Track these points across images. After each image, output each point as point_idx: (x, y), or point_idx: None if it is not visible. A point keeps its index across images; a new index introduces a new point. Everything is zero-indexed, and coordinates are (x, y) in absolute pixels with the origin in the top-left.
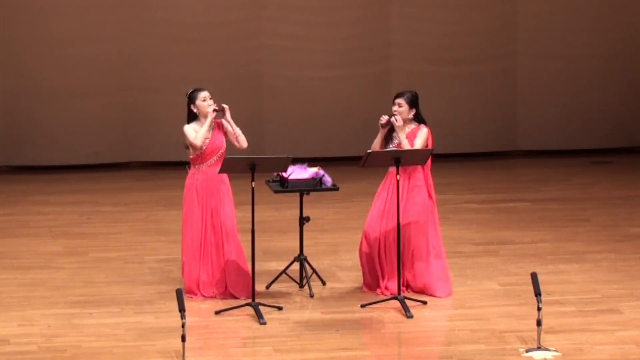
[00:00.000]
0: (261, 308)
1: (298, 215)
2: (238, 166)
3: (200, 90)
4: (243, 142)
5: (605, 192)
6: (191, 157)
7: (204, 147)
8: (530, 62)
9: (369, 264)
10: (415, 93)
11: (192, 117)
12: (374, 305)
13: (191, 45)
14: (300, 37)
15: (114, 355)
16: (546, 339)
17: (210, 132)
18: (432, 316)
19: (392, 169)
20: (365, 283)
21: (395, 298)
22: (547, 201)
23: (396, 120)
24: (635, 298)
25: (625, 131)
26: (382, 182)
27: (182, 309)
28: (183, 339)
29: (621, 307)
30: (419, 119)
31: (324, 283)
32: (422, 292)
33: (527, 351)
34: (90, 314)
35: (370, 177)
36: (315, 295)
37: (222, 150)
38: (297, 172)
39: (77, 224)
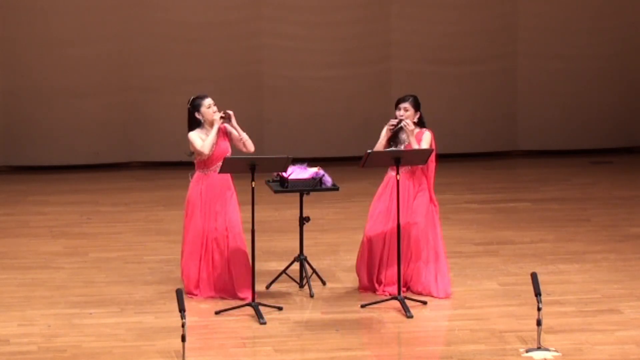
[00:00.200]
0: (261, 308)
1: (298, 215)
2: (238, 166)
3: (203, 97)
4: (250, 147)
5: (605, 192)
6: (196, 161)
7: (211, 154)
8: (530, 62)
9: (368, 267)
10: (416, 96)
11: (195, 123)
12: (374, 305)
13: (191, 45)
14: (300, 37)
15: (114, 355)
16: (546, 339)
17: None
18: (432, 316)
19: (392, 171)
20: (361, 287)
21: (395, 298)
22: (547, 201)
23: (407, 124)
24: (635, 298)
25: (625, 131)
26: (382, 183)
27: (182, 309)
28: (183, 339)
29: (621, 307)
30: (421, 122)
31: (324, 283)
32: (421, 293)
33: (527, 351)
34: (90, 314)
35: (370, 177)
36: (315, 295)
37: (227, 156)
38: (297, 172)
39: (77, 224)
